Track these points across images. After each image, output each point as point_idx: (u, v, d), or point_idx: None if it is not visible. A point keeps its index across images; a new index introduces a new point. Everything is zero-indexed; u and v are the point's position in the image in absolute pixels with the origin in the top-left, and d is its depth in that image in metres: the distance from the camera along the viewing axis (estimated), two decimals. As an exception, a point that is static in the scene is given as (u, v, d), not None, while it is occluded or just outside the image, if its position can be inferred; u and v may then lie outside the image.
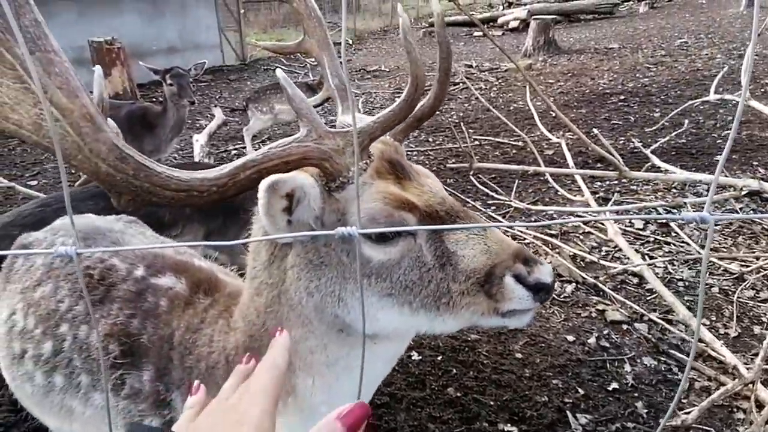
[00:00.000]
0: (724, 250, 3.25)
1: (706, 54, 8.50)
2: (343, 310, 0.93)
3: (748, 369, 2.23)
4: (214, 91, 10.12)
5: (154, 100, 8.36)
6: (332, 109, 6.78)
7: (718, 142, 4.76)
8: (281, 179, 0.83)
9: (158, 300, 1.22)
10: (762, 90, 6.36)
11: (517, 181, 4.55)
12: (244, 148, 6.20)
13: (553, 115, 5.79)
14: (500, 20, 14.76)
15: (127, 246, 1.35)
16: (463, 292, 0.90)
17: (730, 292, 2.90)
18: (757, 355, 2.27)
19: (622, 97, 6.85)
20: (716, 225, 3.47)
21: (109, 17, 9.75)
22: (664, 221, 3.60)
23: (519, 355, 2.65)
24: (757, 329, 2.64)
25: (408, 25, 0.91)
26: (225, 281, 1.28)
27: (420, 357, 2.69)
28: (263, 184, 0.82)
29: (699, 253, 3.06)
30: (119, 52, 8.25)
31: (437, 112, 7.87)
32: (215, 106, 8.57)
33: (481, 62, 10.31)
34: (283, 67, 11.35)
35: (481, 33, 13.39)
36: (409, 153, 5.99)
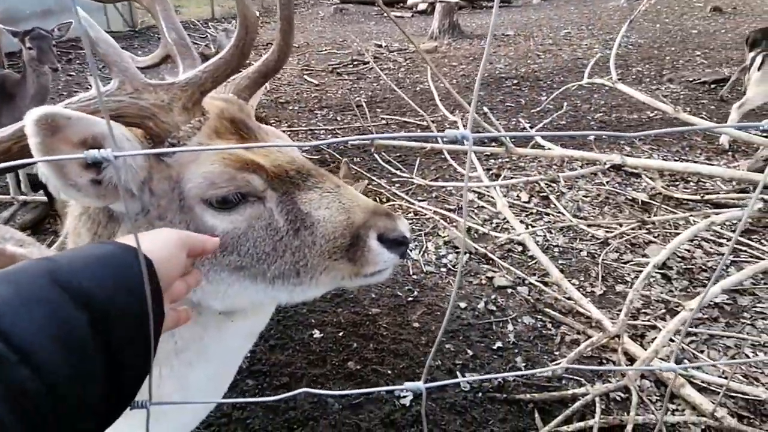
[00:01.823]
0: (592, 218, 3.68)
1: (586, 44, 9.39)
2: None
3: (613, 324, 2.52)
4: (97, 60, 9.02)
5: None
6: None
7: (591, 123, 5.34)
8: (63, 114, 0.65)
9: None
10: (632, 76, 7.19)
11: (419, 159, 4.71)
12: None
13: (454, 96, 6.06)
14: (409, 2, 14.92)
15: None
16: (324, 259, 0.86)
17: (596, 255, 3.31)
18: (621, 311, 2.59)
19: (515, 81, 7.35)
20: (585, 197, 3.92)
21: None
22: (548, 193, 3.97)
23: (416, 324, 2.80)
24: (620, 287, 3.02)
25: None
26: (16, 254, 1.10)
27: (322, 335, 2.72)
28: (29, 117, 0.63)
29: (572, 221, 3.44)
30: (-19, 15, 7.00)
31: (346, 91, 7.77)
32: (90, 74, 7.67)
33: (390, 42, 10.38)
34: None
35: (392, 13, 13.43)
36: (316, 131, 5.91)
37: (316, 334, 2.72)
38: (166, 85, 0.81)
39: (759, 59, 4.63)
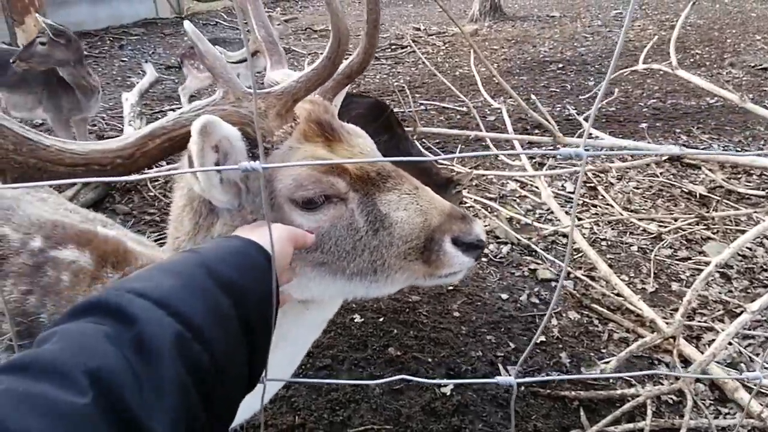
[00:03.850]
0: (644, 211, 3.51)
1: (639, 25, 8.88)
2: None
3: (667, 324, 2.37)
4: (147, 46, 9.30)
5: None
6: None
7: (644, 110, 5.07)
8: (214, 121, 0.76)
9: (59, 274, 1.12)
10: (691, 60, 6.76)
11: (459, 146, 4.61)
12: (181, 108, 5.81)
13: (496, 81, 5.88)
14: (448, -18, 14.50)
15: (20, 213, 1.22)
16: (400, 259, 0.89)
17: (648, 251, 3.15)
18: (676, 310, 2.44)
19: (560, 65, 7.05)
20: (637, 189, 3.73)
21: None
22: (590, 185, 3.81)
23: (457, 314, 2.77)
24: (674, 286, 2.87)
25: None
26: (135, 252, 1.20)
27: (362, 319, 2.74)
28: (197, 125, 0.74)
29: (621, 214, 3.28)
30: (33, -1, 7.40)
31: (385, 76, 7.69)
32: (146, 62, 7.91)
33: (429, 26, 10.18)
34: (223, 23, 10.58)
35: (429, -5, 13.11)
36: (354, 117, 5.90)
37: (357, 318, 2.74)
38: (263, 93, 0.88)
39: None
